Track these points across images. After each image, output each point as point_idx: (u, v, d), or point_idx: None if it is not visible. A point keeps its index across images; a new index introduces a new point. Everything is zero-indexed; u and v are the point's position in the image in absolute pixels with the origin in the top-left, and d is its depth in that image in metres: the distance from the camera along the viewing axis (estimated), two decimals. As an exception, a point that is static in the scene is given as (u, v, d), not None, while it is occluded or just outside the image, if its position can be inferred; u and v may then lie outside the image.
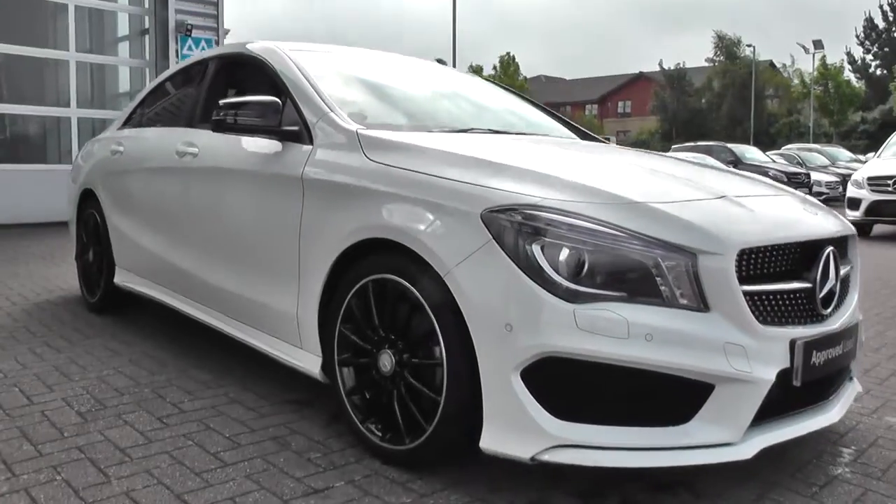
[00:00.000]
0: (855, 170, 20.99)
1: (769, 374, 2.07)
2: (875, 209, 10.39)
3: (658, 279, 2.02)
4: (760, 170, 18.31)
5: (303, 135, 2.83)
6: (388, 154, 2.51)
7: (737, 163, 19.10)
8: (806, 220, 2.46)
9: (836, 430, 2.77)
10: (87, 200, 4.65)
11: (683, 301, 2.02)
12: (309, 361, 2.71)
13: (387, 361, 2.36)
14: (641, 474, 2.32)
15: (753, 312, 2.07)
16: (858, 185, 10.90)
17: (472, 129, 3.12)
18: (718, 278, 2.04)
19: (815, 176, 19.23)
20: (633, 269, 2.03)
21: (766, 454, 2.49)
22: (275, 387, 3.11)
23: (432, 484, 2.25)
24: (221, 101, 2.90)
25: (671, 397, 2.03)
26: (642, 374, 1.98)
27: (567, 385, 2.03)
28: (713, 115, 49.38)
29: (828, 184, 19.30)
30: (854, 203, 10.78)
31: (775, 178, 17.46)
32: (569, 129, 3.74)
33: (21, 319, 4.30)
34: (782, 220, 2.38)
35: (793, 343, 2.12)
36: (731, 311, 2.04)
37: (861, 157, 25.29)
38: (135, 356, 3.54)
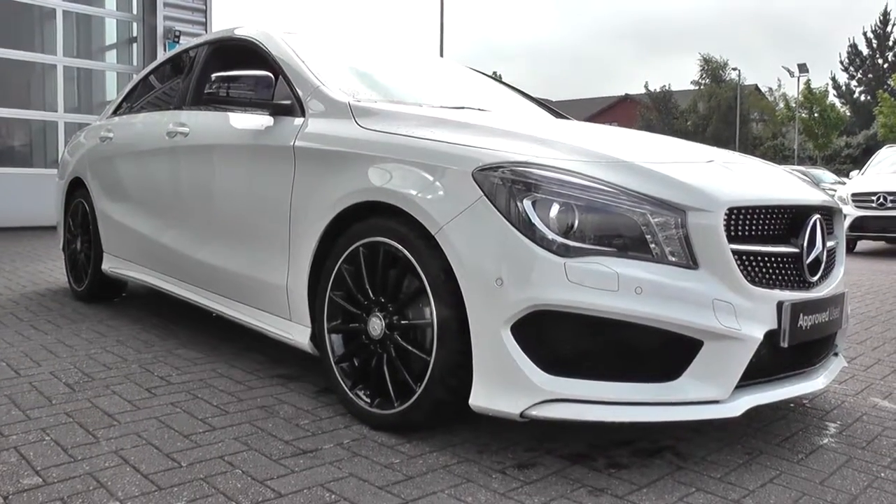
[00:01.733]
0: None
1: (757, 333, 2.09)
2: (859, 225, 10.48)
3: (648, 236, 2.05)
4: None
5: (294, 108, 2.86)
6: (380, 121, 2.54)
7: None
8: (794, 186, 2.50)
9: (822, 407, 2.79)
10: (75, 191, 4.64)
11: (672, 258, 2.05)
12: (298, 333, 2.71)
13: (376, 325, 2.37)
14: (629, 439, 2.33)
15: (742, 271, 2.10)
16: (843, 201, 11.00)
17: (463, 107, 3.15)
18: (707, 235, 2.07)
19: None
20: (623, 226, 2.06)
21: (752, 424, 2.51)
22: (263, 363, 3.11)
23: (420, 447, 2.25)
24: (214, 75, 2.92)
25: (660, 353, 2.04)
26: (632, 327, 2.00)
27: (557, 339, 2.04)
28: (699, 137, 49.83)
29: (812, 203, 19.47)
30: (837, 218, 10.88)
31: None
32: (545, 110, 3.82)
33: (7, 307, 4.27)
34: (770, 184, 2.42)
35: (780, 304, 2.15)
36: (720, 269, 2.07)
37: (844, 180, 25.61)
38: (122, 337, 3.53)
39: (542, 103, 3.93)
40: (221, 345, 3.40)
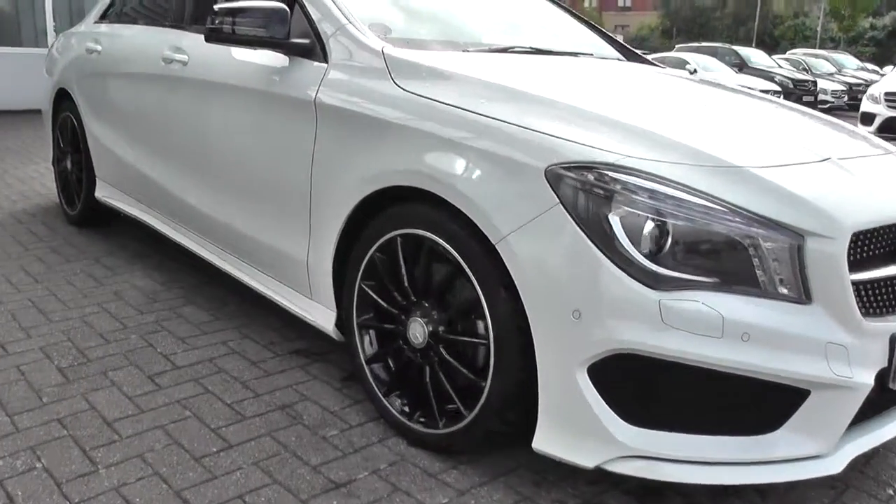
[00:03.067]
0: (862, 79, 20.39)
1: (868, 378, 1.74)
2: (890, 126, 9.94)
3: (756, 260, 1.66)
4: (766, 75, 17.66)
5: (315, 50, 2.37)
6: (425, 83, 2.07)
7: (742, 66, 18.40)
8: None
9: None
10: (63, 101, 4.15)
11: (783, 290, 1.67)
12: (321, 315, 2.36)
13: (418, 332, 2.02)
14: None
15: (858, 304, 1.73)
16: (875, 99, 10.41)
17: (512, 47, 2.66)
18: (827, 265, 1.68)
19: (821, 84, 18.60)
20: (729, 251, 1.67)
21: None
22: (279, 329, 2.78)
23: (470, 476, 1.96)
24: (217, 6, 2.42)
25: (760, 404, 1.71)
26: (731, 377, 1.65)
27: (642, 386, 1.70)
28: (717, 13, 47.68)
29: (834, 92, 18.72)
30: (868, 118, 10.33)
31: (781, 85, 16.91)
32: (613, 46, 3.27)
33: (-7, 234, 3.91)
34: (894, 192, 1.98)
35: (893, 339, 1.79)
36: (836, 304, 1.69)
37: (868, 66, 24.53)
38: (120, 287, 3.18)
39: (615, 41, 3.36)
40: (230, 299, 3.07)
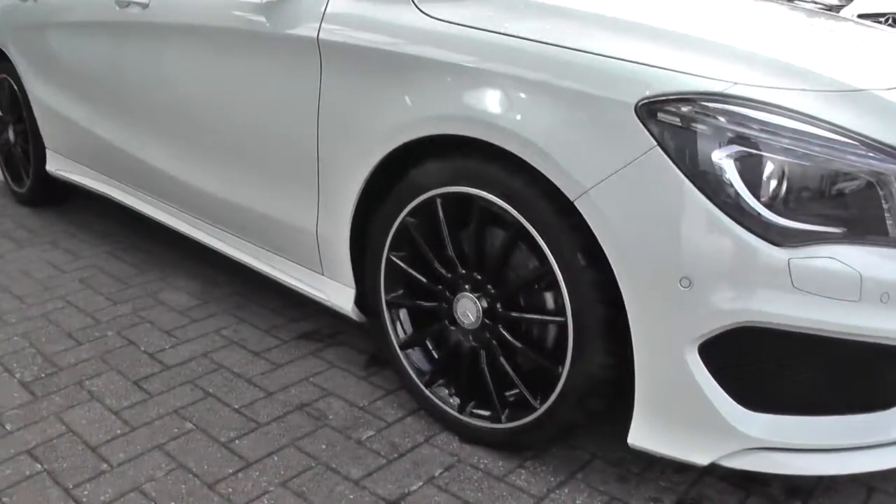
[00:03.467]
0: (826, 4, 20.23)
1: None
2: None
3: (885, 205, 1.34)
4: None
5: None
6: (461, 6, 1.68)
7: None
8: None
9: None
10: (-2, 62, 3.63)
11: None
12: (336, 294, 2.00)
13: (469, 310, 1.67)
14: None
15: None
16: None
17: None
18: None
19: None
20: (857, 193, 1.34)
21: None
22: (281, 310, 2.41)
23: (542, 476, 1.64)
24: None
25: (885, 377, 1.41)
26: (862, 346, 1.35)
27: (762, 364, 1.39)
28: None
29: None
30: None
31: None
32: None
33: (-69, 221, 3.41)
34: None
35: None
36: None
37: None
38: (87, 274, 2.76)
39: None
40: (218, 277, 2.68)
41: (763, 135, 1.31)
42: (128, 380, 2.02)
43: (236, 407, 1.90)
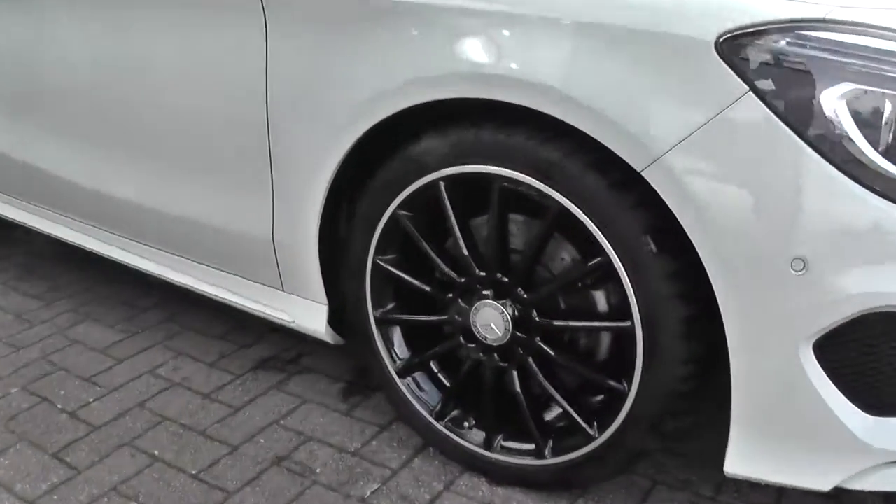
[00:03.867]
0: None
1: None
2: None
3: None
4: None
5: None
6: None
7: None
8: None
9: None
10: None
11: None
12: (304, 313, 1.61)
13: (495, 321, 1.32)
14: None
15: None
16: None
17: None
18: None
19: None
20: None
21: None
22: (221, 332, 2.00)
23: (602, 519, 1.32)
24: None
25: None
26: None
27: (890, 361, 1.10)
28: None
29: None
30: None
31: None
32: None
33: None
34: None
35: None
36: None
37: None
38: (7, 311, 2.23)
39: None
40: (145, 300, 2.21)
41: (877, 68, 1.01)
42: (44, 452, 1.57)
43: (193, 472, 1.49)
